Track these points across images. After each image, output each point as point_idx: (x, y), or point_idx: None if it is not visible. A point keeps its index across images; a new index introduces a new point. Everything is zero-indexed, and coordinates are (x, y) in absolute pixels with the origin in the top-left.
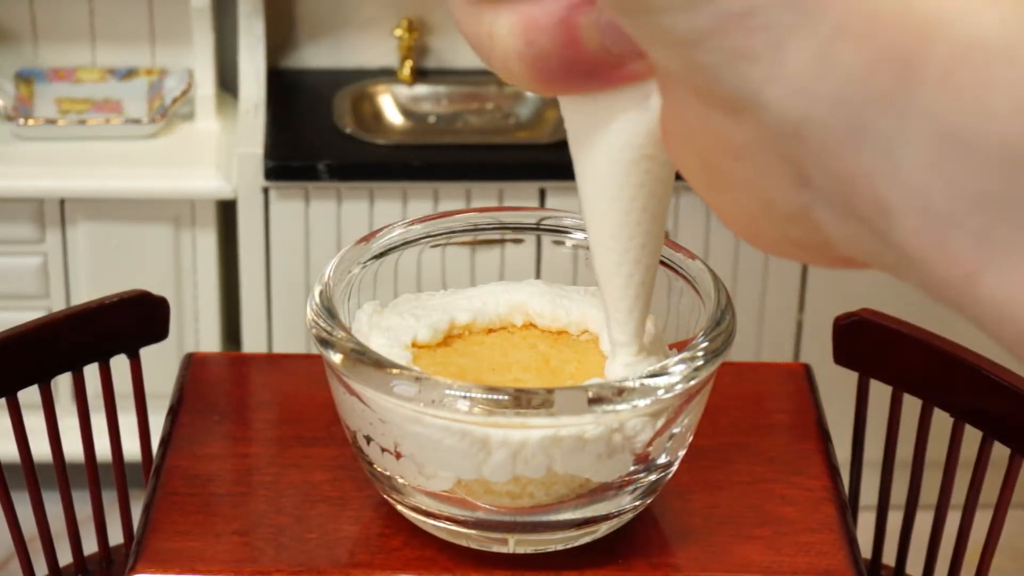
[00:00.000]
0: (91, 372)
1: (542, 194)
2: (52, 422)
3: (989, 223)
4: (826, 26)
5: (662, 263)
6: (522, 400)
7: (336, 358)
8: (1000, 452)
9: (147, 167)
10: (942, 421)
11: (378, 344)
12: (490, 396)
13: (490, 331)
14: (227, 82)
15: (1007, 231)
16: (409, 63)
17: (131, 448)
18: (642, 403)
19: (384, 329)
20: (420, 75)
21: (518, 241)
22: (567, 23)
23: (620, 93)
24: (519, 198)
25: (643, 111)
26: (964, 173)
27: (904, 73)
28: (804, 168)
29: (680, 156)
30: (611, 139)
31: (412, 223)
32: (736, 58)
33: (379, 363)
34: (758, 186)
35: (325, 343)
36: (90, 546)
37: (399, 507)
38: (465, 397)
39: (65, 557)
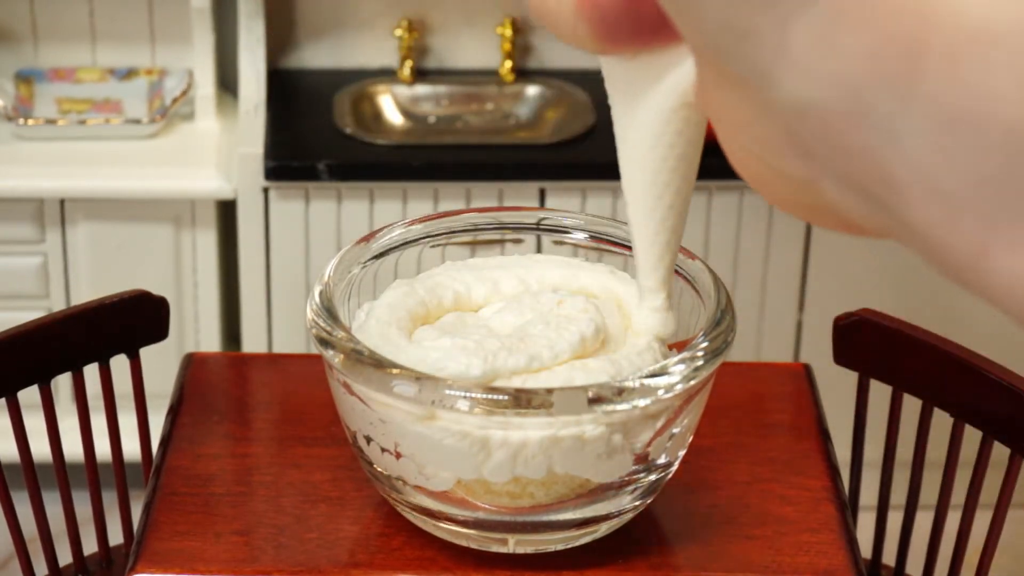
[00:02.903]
0: (91, 372)
1: (542, 194)
2: (52, 422)
3: (996, 204)
4: (827, 9)
5: None
6: (522, 400)
7: (336, 358)
8: (1000, 452)
9: (147, 167)
10: (942, 421)
11: (378, 319)
12: (490, 396)
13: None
14: (227, 82)
15: (1013, 211)
16: (409, 63)
17: (131, 448)
18: (642, 403)
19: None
20: (420, 75)
21: (518, 241)
22: None
23: (664, 48)
24: (519, 198)
25: (686, 62)
26: (969, 156)
27: (906, 58)
28: (809, 143)
29: (708, 114)
30: (654, 89)
31: (412, 223)
32: (743, 37)
33: (379, 363)
34: (768, 154)
35: (325, 343)
36: (90, 546)
37: (399, 507)
38: (465, 397)
39: (65, 557)
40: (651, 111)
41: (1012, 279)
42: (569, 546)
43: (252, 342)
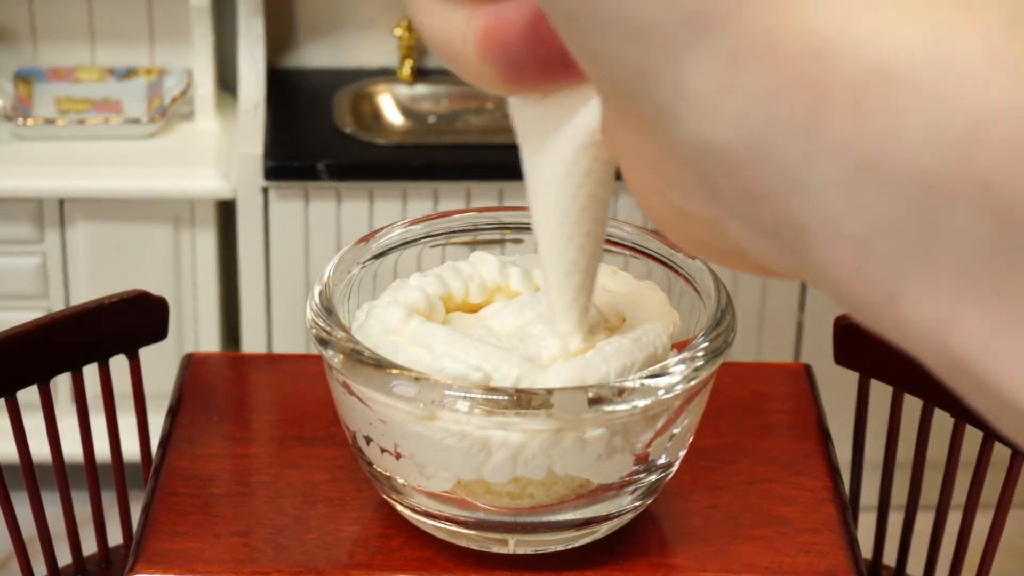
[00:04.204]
0: (91, 372)
1: None
2: (51, 422)
3: (903, 252)
4: (724, 48)
5: (662, 263)
6: (522, 400)
7: (336, 358)
8: (1000, 452)
9: (147, 167)
10: (942, 421)
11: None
12: (490, 396)
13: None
14: (227, 82)
15: (921, 258)
16: (409, 63)
17: (131, 448)
18: (642, 403)
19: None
20: (420, 75)
21: (518, 241)
22: (538, 21)
23: (572, 87)
24: (519, 198)
25: (594, 101)
26: (875, 200)
27: (808, 100)
28: (714, 184)
29: (614, 154)
30: (562, 129)
31: (412, 223)
32: (641, 75)
33: (379, 363)
34: (675, 195)
35: (325, 343)
36: (89, 546)
37: (399, 507)
38: (465, 398)
39: (64, 558)
40: (560, 150)
41: (922, 327)
42: (569, 547)
43: (252, 342)
